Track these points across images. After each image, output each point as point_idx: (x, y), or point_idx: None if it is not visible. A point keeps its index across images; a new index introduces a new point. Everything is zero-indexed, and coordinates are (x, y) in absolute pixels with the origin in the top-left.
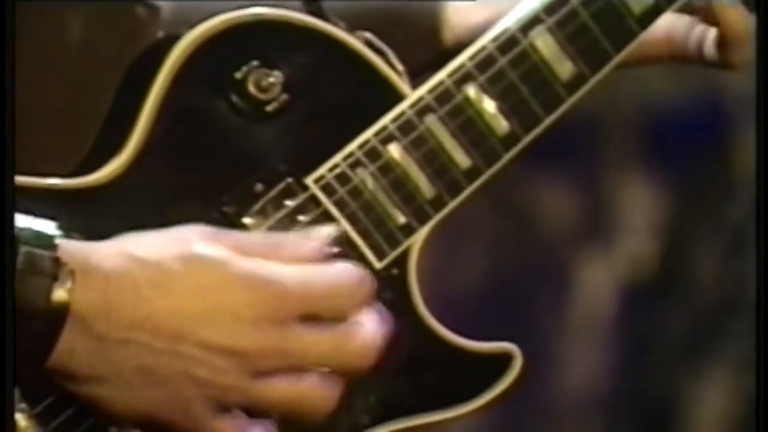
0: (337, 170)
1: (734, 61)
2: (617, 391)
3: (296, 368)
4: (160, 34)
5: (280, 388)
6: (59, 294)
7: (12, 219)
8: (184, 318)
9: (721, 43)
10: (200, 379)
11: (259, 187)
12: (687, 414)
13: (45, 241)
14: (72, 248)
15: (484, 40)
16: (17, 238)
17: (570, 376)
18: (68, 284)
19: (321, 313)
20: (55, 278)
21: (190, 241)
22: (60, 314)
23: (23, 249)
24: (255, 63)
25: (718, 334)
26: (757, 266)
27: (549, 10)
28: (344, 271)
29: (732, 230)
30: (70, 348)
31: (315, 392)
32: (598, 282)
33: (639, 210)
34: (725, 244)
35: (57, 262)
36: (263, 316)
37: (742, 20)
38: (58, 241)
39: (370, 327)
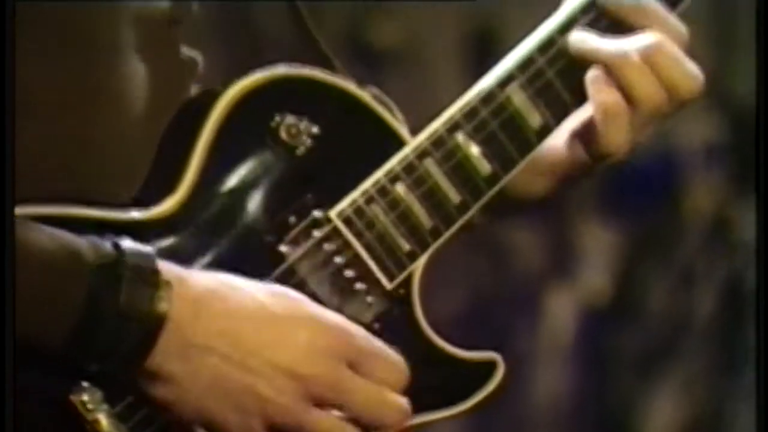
0: (355, 205)
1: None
2: (579, 404)
3: (341, 408)
4: (198, 87)
5: (326, 421)
6: (160, 301)
7: (12, 219)
8: (260, 339)
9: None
10: (263, 395)
11: (292, 219)
12: (640, 424)
13: (147, 258)
14: (167, 266)
15: (470, 95)
16: (122, 255)
17: (538, 390)
18: (166, 293)
19: (367, 370)
20: (156, 288)
21: (277, 287)
22: (159, 319)
23: (131, 263)
24: (286, 114)
25: (668, 355)
26: (757, 268)
27: (521, 68)
28: (400, 364)
29: (681, 265)
30: (163, 350)
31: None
32: (562, 309)
33: (598, 248)
34: (674, 278)
35: (158, 275)
36: (324, 351)
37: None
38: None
39: (402, 401)
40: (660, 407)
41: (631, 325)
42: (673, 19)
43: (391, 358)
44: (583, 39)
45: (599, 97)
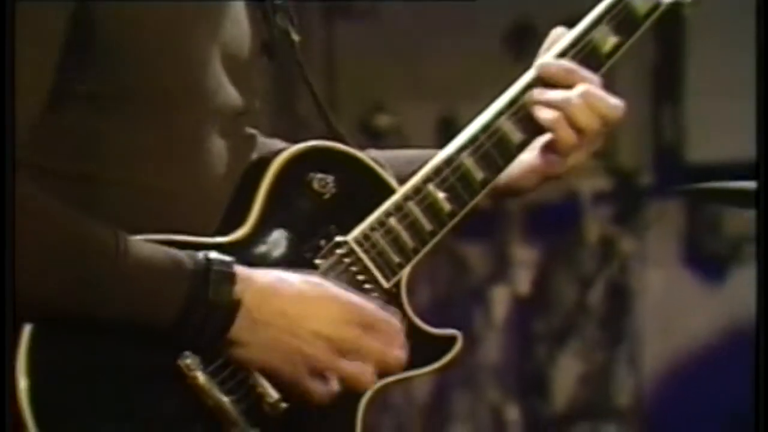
0: (363, 233)
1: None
2: (511, 366)
3: (359, 358)
4: (256, 155)
5: (350, 367)
6: (235, 294)
7: (13, 220)
8: (300, 314)
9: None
10: (305, 353)
11: (322, 242)
12: (551, 379)
13: (227, 264)
14: (240, 268)
15: (438, 158)
16: (210, 262)
17: (485, 357)
18: (240, 288)
19: (375, 331)
20: (233, 284)
21: (311, 277)
22: (235, 306)
23: (216, 268)
24: (317, 172)
25: (570, 332)
26: (757, 270)
27: (470, 141)
28: (395, 323)
29: (580, 271)
30: (238, 326)
31: (367, 375)
32: (501, 301)
33: (525, 260)
34: (575, 280)
35: (234, 276)
36: (347, 321)
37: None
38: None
39: (399, 353)
40: (564, 367)
41: (545, 312)
42: (592, 74)
43: (391, 322)
44: (540, 92)
45: (558, 130)
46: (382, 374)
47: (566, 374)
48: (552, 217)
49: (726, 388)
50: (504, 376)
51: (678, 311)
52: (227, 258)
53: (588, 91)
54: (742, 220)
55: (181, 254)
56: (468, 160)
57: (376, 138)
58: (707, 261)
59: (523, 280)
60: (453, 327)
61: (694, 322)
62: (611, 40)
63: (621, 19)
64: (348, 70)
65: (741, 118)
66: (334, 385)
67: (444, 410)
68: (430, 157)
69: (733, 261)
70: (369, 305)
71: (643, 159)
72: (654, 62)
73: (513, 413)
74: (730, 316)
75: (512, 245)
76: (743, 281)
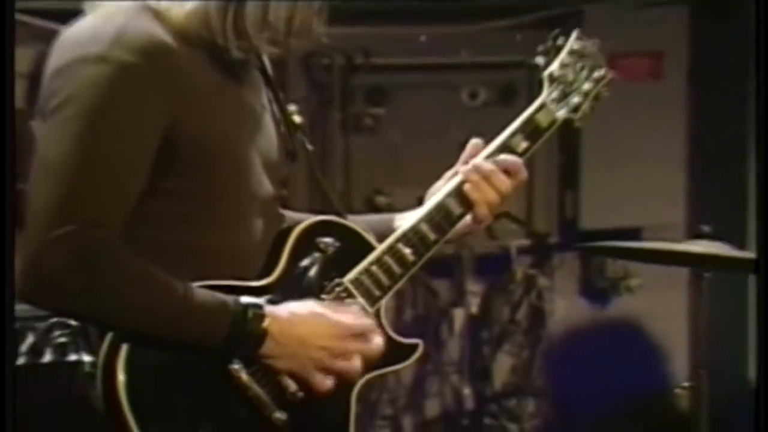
0: (354, 277)
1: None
2: (465, 363)
3: (350, 358)
4: (285, 224)
5: (343, 365)
6: (263, 326)
7: (13, 220)
8: (310, 334)
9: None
10: (313, 358)
11: (326, 283)
12: (493, 369)
13: (258, 305)
14: (268, 307)
15: (404, 227)
16: (246, 305)
17: (445, 356)
18: (267, 321)
19: (360, 338)
20: (262, 321)
21: (314, 307)
22: (264, 334)
23: (250, 310)
24: (324, 237)
25: (503, 339)
26: (757, 272)
27: (428, 214)
28: (371, 324)
29: (511, 299)
30: (267, 345)
31: (354, 369)
32: (458, 319)
33: (475, 292)
34: (508, 305)
35: (263, 315)
36: (338, 334)
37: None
38: (263, 304)
39: (377, 350)
40: (501, 361)
41: (488, 325)
42: (514, 158)
43: (367, 326)
44: (474, 182)
45: (476, 195)
46: (368, 362)
47: (502, 366)
48: (493, 263)
49: (611, 374)
50: (461, 367)
51: (576, 325)
52: (259, 301)
53: (493, 170)
54: (618, 266)
55: (227, 298)
56: (424, 227)
57: (376, 212)
58: (594, 293)
59: (474, 304)
60: (427, 336)
61: (585, 331)
62: (523, 144)
63: (530, 131)
64: (358, 167)
65: (618, 201)
66: (330, 380)
67: (422, 390)
68: (392, 219)
69: (612, 293)
70: (352, 320)
71: (551, 226)
72: (559, 160)
73: (467, 391)
74: (609, 327)
75: (467, 281)
76: (619, 306)
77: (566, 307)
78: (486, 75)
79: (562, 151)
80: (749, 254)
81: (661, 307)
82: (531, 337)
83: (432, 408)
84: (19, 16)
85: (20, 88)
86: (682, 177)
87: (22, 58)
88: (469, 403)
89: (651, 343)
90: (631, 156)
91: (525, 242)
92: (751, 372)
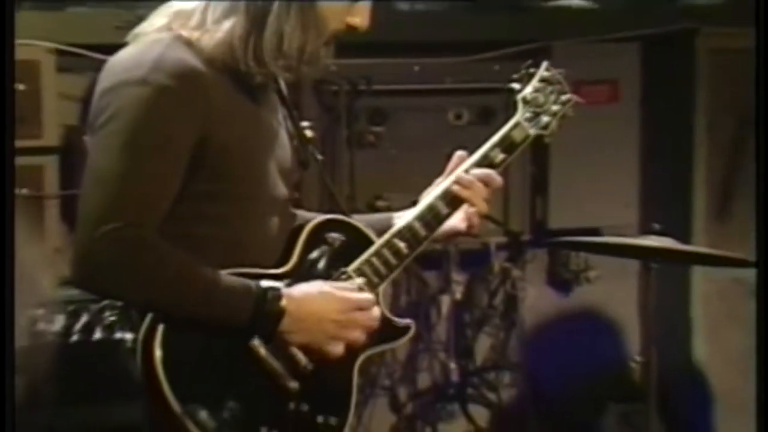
0: (357, 267)
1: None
2: (449, 343)
3: (355, 329)
4: (297, 223)
5: (349, 334)
6: (282, 306)
7: (12, 220)
8: (321, 310)
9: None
10: (324, 331)
11: (333, 272)
12: (474, 348)
13: (276, 288)
14: (285, 289)
15: (399, 225)
16: (266, 289)
17: (437, 336)
18: (284, 301)
19: (362, 309)
20: (280, 300)
21: (322, 286)
22: (282, 312)
23: (270, 292)
24: (332, 232)
25: (482, 322)
26: (757, 267)
27: (420, 213)
28: (370, 299)
29: (489, 288)
30: (284, 323)
31: (359, 338)
32: (445, 305)
33: (459, 282)
34: (487, 293)
35: (281, 296)
36: (344, 309)
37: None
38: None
39: (375, 316)
40: (481, 340)
41: (471, 310)
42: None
43: (368, 302)
44: (464, 184)
45: (466, 194)
46: (370, 334)
47: (482, 344)
48: (475, 257)
49: (574, 351)
50: (447, 346)
51: (544, 310)
52: (277, 284)
53: (470, 181)
54: (579, 260)
55: (250, 283)
56: (417, 225)
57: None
58: (560, 283)
59: (458, 292)
60: (419, 319)
61: (555, 315)
62: (500, 156)
63: (506, 144)
64: (361, 176)
65: (581, 205)
66: (341, 347)
67: (414, 365)
68: (390, 217)
69: (574, 283)
70: (355, 295)
71: (524, 226)
72: (531, 171)
73: (453, 366)
74: (572, 312)
75: (452, 272)
76: (580, 294)
77: (536, 295)
78: (468, 99)
79: (533, 163)
80: (693, 248)
81: (616, 295)
82: (506, 320)
83: (423, 380)
84: (76, 50)
85: (76, 110)
86: (635, 184)
87: (78, 84)
88: (455, 376)
89: (608, 325)
90: (592, 167)
91: (502, 239)
92: (694, 348)
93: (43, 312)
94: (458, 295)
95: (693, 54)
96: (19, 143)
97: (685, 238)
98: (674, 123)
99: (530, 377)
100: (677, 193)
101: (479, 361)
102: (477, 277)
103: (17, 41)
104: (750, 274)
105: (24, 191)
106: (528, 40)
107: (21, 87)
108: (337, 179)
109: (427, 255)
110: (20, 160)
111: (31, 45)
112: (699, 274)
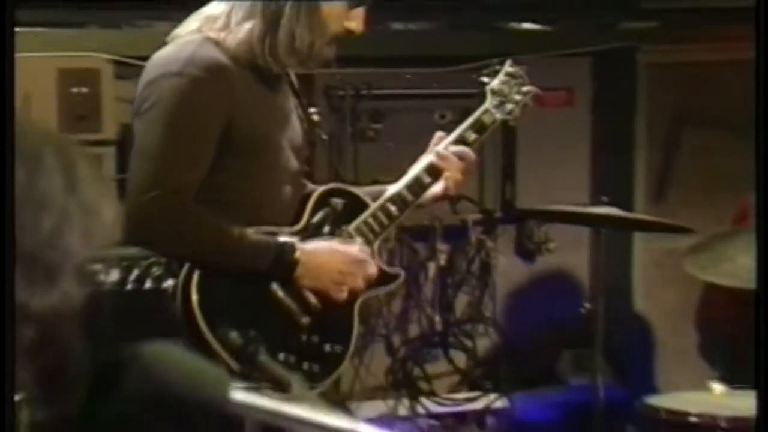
0: (356, 225)
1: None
2: (436, 299)
3: (355, 276)
4: (306, 191)
5: (351, 280)
6: (295, 257)
7: (12, 220)
8: (327, 261)
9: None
10: (333, 278)
11: (336, 230)
12: (454, 304)
13: (291, 243)
14: (298, 243)
15: (391, 191)
16: (282, 243)
17: (423, 296)
18: (298, 254)
19: (362, 261)
20: (294, 252)
21: (330, 243)
22: (296, 262)
23: (286, 245)
24: (335, 197)
25: (463, 284)
26: (757, 266)
27: (407, 183)
28: (368, 254)
29: (468, 257)
30: (297, 271)
31: (359, 285)
32: (432, 270)
33: (443, 251)
34: (466, 261)
35: (295, 249)
36: (347, 261)
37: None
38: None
39: (372, 270)
40: (461, 298)
41: (452, 274)
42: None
43: (366, 256)
44: (442, 156)
45: (444, 165)
46: (368, 282)
47: (461, 301)
48: (456, 231)
49: (538, 307)
50: (433, 303)
51: (512, 274)
52: (291, 240)
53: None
54: (541, 233)
55: (269, 238)
56: (405, 192)
57: None
58: (525, 253)
59: (442, 259)
60: (410, 281)
61: (521, 278)
62: (472, 136)
63: (477, 127)
64: (363, 165)
65: (543, 188)
66: (345, 292)
67: (406, 317)
68: (384, 189)
69: (537, 253)
70: (356, 251)
71: (496, 205)
72: (502, 161)
73: (437, 319)
74: (536, 276)
75: (437, 243)
76: (542, 261)
77: (506, 263)
78: (451, 102)
79: (504, 154)
80: (635, 215)
81: (571, 262)
82: (481, 282)
83: (413, 330)
84: (130, 60)
85: (129, 110)
86: (587, 172)
87: (131, 90)
88: (439, 327)
89: (564, 287)
90: (552, 158)
91: (478, 216)
92: (635, 304)
93: (101, 267)
94: (442, 262)
95: (634, 67)
96: (82, 137)
97: (628, 209)
98: (619, 123)
99: (500, 328)
100: (621, 180)
101: (459, 314)
102: (457, 248)
103: (81, 53)
104: (682, 245)
105: None
106: (499, 54)
107: (84, 90)
108: (342, 166)
109: (417, 229)
110: None
111: (94, 56)
112: (639, 243)
